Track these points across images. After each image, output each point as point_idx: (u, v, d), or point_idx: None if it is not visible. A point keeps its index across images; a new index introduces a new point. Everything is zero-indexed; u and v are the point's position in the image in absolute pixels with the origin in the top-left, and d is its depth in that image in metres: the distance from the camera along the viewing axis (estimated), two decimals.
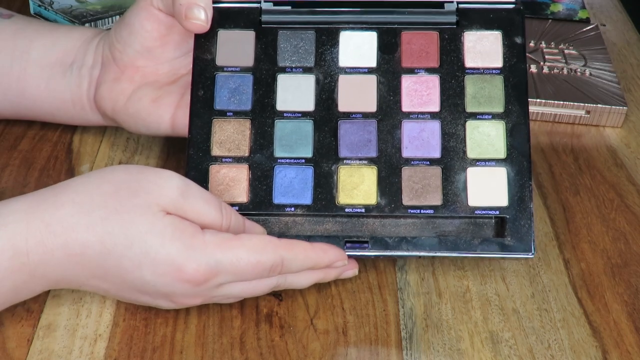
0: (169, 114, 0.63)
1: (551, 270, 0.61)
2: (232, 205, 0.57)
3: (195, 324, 0.55)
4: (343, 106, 0.60)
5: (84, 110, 0.67)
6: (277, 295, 0.57)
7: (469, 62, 0.61)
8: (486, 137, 0.59)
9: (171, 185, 0.51)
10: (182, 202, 0.51)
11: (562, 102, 0.76)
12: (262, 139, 0.59)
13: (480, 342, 0.55)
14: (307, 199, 0.58)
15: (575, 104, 0.76)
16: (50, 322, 0.55)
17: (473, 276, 0.60)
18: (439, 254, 0.57)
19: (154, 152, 0.70)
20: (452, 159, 0.59)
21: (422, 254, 0.57)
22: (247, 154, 0.59)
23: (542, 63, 0.81)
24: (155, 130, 0.64)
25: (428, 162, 0.59)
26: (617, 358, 0.55)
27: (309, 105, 0.60)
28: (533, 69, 0.80)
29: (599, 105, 0.76)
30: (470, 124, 0.60)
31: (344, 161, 0.59)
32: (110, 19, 0.82)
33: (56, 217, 0.50)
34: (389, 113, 0.60)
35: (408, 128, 0.60)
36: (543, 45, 0.83)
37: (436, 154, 0.59)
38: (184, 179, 0.52)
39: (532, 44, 0.83)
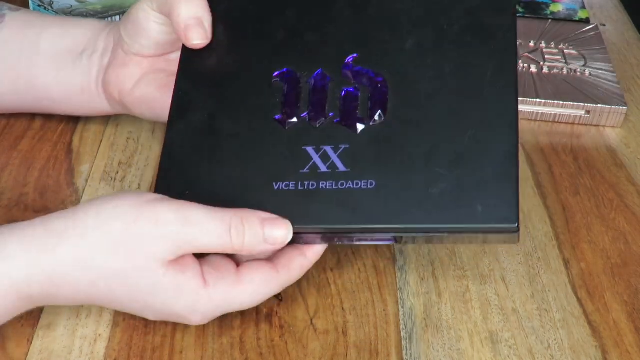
0: None
1: (551, 270, 0.61)
2: None
3: None
4: None
5: (91, 97, 0.67)
6: (277, 295, 0.57)
7: None
8: None
9: (169, 235, 0.50)
10: (183, 247, 0.50)
11: (562, 102, 0.76)
12: None
13: (480, 342, 0.55)
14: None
15: (575, 104, 0.76)
16: (50, 322, 0.55)
17: (473, 276, 0.60)
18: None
19: (154, 152, 0.70)
20: None
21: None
22: None
23: (542, 63, 0.81)
24: (160, 115, 0.64)
25: None
26: (617, 358, 0.55)
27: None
28: (533, 69, 0.80)
29: (599, 105, 0.76)
30: None
31: None
32: (110, 19, 0.82)
33: (58, 273, 0.50)
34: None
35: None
36: (543, 45, 0.83)
37: None
38: (183, 214, 0.50)
39: (532, 44, 0.83)
